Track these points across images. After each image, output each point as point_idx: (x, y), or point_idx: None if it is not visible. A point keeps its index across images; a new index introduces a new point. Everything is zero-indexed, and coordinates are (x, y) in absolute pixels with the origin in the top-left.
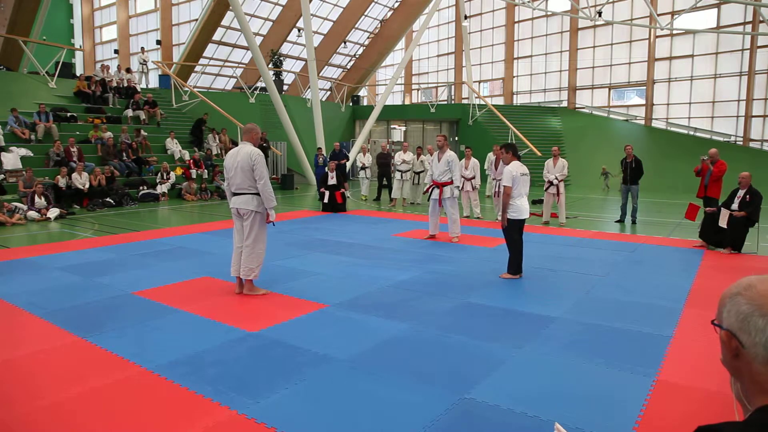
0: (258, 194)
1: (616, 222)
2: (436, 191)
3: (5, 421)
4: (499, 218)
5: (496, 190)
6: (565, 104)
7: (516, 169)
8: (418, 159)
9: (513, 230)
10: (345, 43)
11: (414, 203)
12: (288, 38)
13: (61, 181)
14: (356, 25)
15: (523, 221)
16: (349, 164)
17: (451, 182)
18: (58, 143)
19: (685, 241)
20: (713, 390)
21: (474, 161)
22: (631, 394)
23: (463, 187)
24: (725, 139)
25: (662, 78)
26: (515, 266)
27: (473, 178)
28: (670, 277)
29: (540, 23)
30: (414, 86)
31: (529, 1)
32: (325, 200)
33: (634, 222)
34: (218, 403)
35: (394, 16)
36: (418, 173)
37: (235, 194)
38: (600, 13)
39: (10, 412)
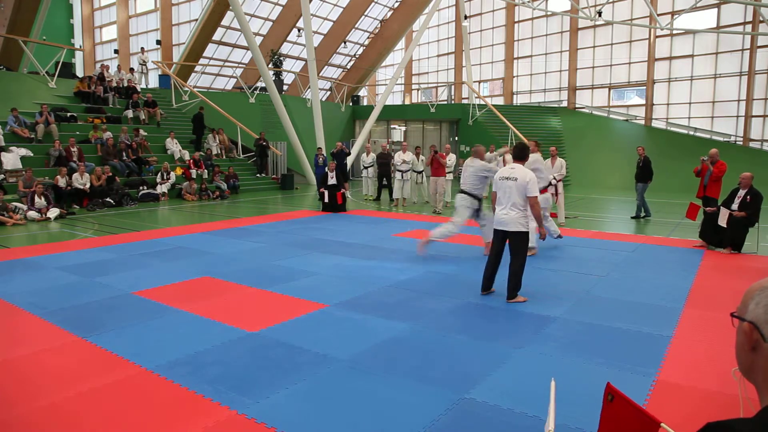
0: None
1: (631, 218)
2: None
3: (5, 421)
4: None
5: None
6: (565, 104)
7: (501, 173)
8: (418, 159)
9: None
10: (345, 43)
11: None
12: (288, 38)
13: (61, 181)
14: (356, 25)
15: (497, 233)
16: (351, 159)
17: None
18: (57, 141)
19: (685, 241)
20: (713, 390)
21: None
22: (631, 394)
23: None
24: (725, 139)
25: (662, 78)
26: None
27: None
28: (670, 277)
29: (540, 23)
30: (414, 86)
31: (529, 1)
32: (325, 200)
33: (636, 218)
34: (218, 403)
35: (394, 16)
36: (419, 172)
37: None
38: (600, 13)
39: (10, 412)
